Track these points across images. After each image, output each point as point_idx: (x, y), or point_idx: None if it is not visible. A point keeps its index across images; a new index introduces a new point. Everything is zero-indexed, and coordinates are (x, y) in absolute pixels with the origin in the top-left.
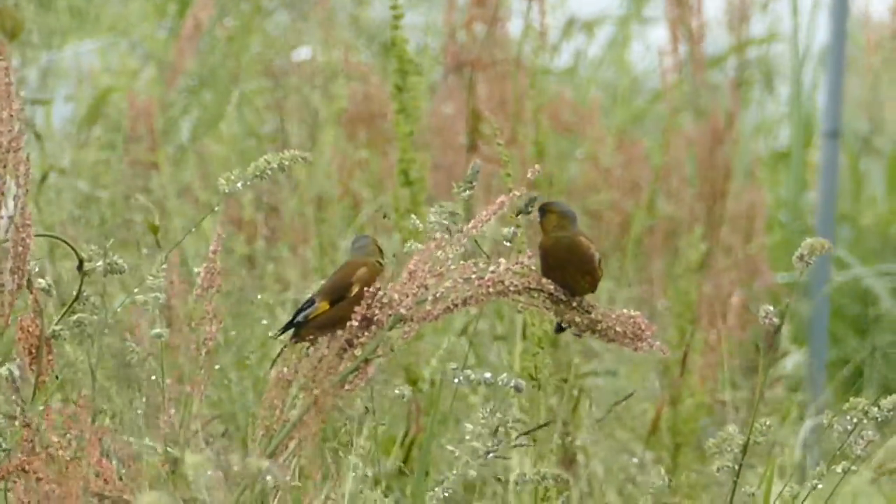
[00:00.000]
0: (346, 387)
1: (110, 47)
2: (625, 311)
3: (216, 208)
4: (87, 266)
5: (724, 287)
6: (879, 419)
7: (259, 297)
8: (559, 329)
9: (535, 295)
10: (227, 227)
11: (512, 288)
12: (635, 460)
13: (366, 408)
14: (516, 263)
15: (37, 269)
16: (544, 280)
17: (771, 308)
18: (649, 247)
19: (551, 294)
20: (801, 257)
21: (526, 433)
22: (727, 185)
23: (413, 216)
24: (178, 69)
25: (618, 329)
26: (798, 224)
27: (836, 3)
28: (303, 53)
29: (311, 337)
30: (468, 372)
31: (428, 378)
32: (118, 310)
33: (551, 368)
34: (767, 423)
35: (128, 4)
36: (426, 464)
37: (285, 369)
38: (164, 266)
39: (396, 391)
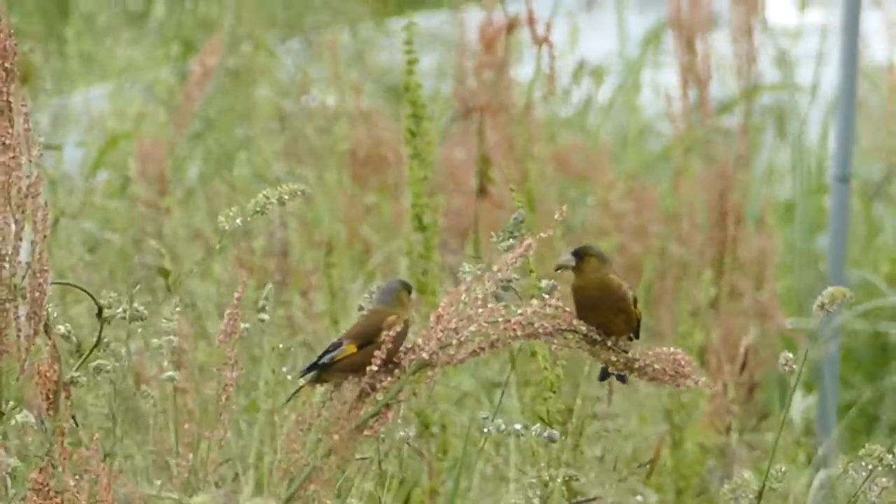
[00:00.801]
0: (366, 432)
1: (120, 91)
2: (664, 348)
3: (218, 247)
4: (106, 313)
5: (733, 331)
6: (894, 466)
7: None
8: (604, 376)
9: (569, 336)
10: (237, 272)
11: (542, 330)
12: (639, 498)
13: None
14: (546, 305)
15: (55, 315)
16: (576, 321)
17: (790, 355)
18: (659, 291)
19: (585, 335)
20: (822, 306)
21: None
22: (738, 230)
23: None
24: (187, 112)
25: (657, 367)
26: (809, 270)
27: (846, 47)
28: (311, 97)
29: (335, 381)
30: (499, 422)
31: (438, 422)
32: (132, 355)
33: (564, 414)
34: (783, 469)
35: (135, 48)
36: None
37: (307, 412)
38: (178, 309)
39: (401, 433)
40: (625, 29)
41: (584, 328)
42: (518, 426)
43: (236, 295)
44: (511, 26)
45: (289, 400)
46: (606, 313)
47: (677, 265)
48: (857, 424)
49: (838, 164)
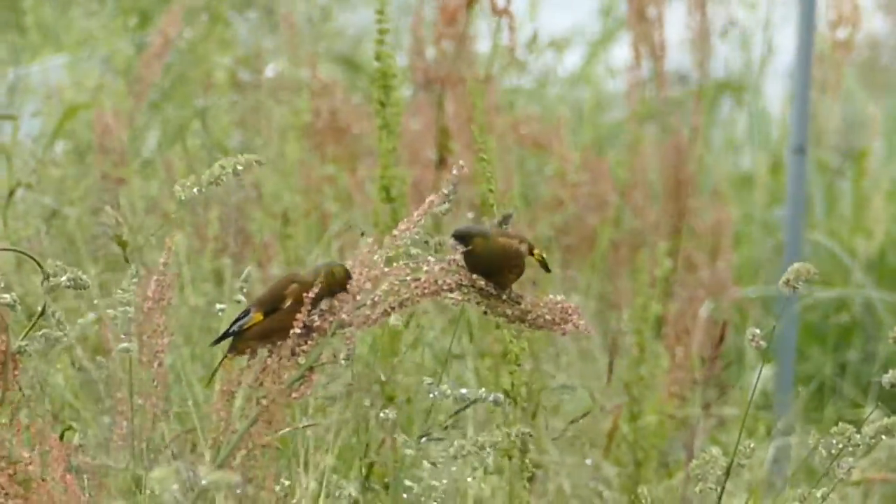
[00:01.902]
0: (294, 395)
1: (77, 62)
2: (551, 296)
3: (174, 217)
4: (51, 281)
5: (689, 303)
6: (861, 445)
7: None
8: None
9: (467, 291)
10: (195, 243)
11: (445, 286)
12: (589, 461)
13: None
14: (447, 261)
15: (2, 285)
16: (474, 276)
17: (757, 331)
18: (615, 262)
19: (482, 289)
20: (788, 282)
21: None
22: (692, 201)
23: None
24: (145, 83)
25: (547, 317)
26: (767, 240)
27: (802, 18)
28: (269, 68)
29: (248, 349)
30: (444, 387)
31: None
32: (87, 325)
33: (529, 386)
34: (752, 444)
35: (93, 19)
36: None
37: (229, 380)
38: (134, 280)
39: (381, 414)
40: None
41: (481, 283)
42: (464, 390)
43: (162, 260)
44: None
45: (214, 372)
46: (498, 274)
47: (633, 236)
48: (818, 398)
49: (795, 136)
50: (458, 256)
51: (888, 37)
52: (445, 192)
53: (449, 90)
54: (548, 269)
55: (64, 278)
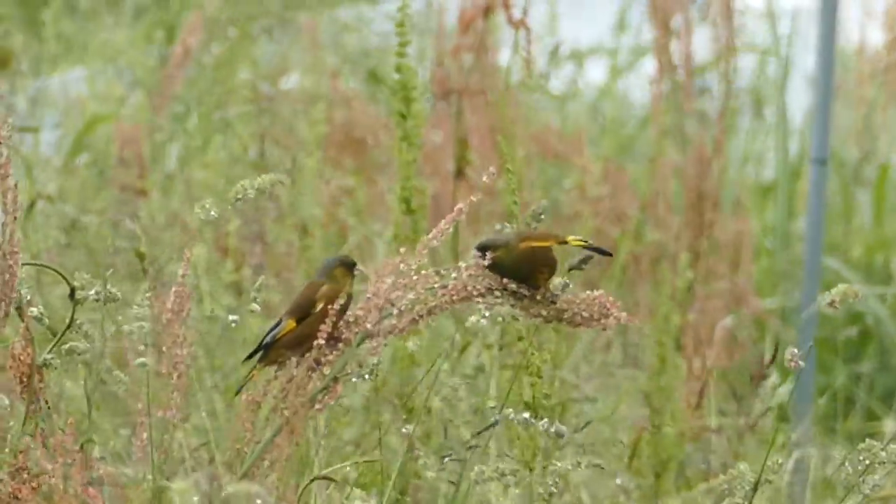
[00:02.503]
0: (317, 406)
1: (98, 74)
2: (588, 293)
3: (197, 233)
4: (79, 295)
5: (709, 314)
6: (886, 462)
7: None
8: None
9: (499, 295)
10: (214, 255)
11: (475, 292)
12: (618, 482)
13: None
14: (475, 266)
15: (29, 297)
16: (506, 280)
17: (795, 350)
18: (635, 274)
19: (515, 292)
20: (832, 303)
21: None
22: (714, 213)
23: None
24: (166, 95)
25: (584, 314)
26: (786, 251)
27: (824, 30)
28: (289, 80)
29: (281, 358)
30: (509, 411)
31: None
32: (107, 338)
33: (551, 399)
34: (779, 461)
35: (116, 32)
36: None
37: (255, 391)
38: (148, 294)
39: (403, 430)
40: (607, 15)
41: (513, 286)
42: (526, 415)
43: (181, 272)
44: (488, 9)
45: (243, 385)
46: (530, 278)
47: (654, 248)
48: (833, 408)
49: (816, 147)
50: (486, 262)
51: None
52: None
53: (468, 102)
54: (603, 252)
55: (93, 292)
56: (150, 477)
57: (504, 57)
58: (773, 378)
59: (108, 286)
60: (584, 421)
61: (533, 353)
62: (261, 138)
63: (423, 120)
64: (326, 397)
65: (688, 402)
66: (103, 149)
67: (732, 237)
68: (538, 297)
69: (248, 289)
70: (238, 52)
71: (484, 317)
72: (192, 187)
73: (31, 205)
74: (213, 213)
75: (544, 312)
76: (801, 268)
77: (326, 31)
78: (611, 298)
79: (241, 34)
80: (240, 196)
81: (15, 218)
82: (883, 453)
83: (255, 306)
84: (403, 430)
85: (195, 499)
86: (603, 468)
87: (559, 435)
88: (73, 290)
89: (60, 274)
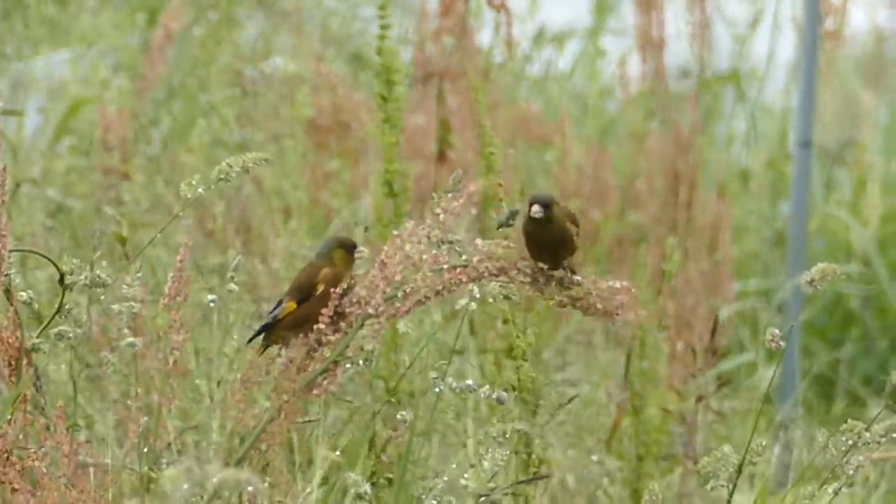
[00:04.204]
0: (315, 391)
1: (82, 58)
2: (611, 283)
3: (181, 215)
4: (68, 279)
5: (691, 296)
6: (870, 443)
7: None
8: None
9: (514, 275)
10: (198, 238)
11: (486, 273)
12: (601, 464)
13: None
14: (496, 244)
15: (17, 281)
16: (520, 262)
17: (777, 331)
18: (618, 256)
19: (530, 274)
20: (811, 282)
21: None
22: (692, 195)
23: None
24: (149, 79)
25: (599, 306)
26: (770, 234)
27: (808, 12)
28: (273, 63)
29: (282, 339)
30: (450, 380)
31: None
32: (92, 322)
33: (535, 381)
34: (763, 442)
35: (100, 15)
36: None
37: (253, 371)
38: (139, 276)
39: (399, 416)
40: None
41: (528, 269)
42: (470, 382)
43: (178, 258)
44: None
45: (250, 365)
46: (553, 250)
47: (635, 230)
48: (816, 391)
49: (800, 130)
50: (505, 241)
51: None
52: (450, 189)
53: (449, 84)
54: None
55: (83, 276)
56: (137, 462)
57: (485, 39)
58: (748, 357)
59: (97, 270)
60: (567, 404)
61: (518, 336)
62: (245, 122)
63: (405, 103)
64: (326, 381)
65: (669, 385)
66: (87, 132)
67: (711, 219)
68: (553, 281)
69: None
70: (221, 35)
71: (474, 298)
72: (175, 170)
73: (16, 188)
74: (200, 189)
75: (557, 297)
76: (784, 250)
77: (310, 14)
78: (633, 292)
79: (224, 17)
80: (223, 176)
81: (2, 202)
82: (867, 434)
83: (233, 286)
84: (399, 416)
85: (185, 486)
86: (586, 451)
87: (500, 402)
88: (62, 276)
89: (50, 260)
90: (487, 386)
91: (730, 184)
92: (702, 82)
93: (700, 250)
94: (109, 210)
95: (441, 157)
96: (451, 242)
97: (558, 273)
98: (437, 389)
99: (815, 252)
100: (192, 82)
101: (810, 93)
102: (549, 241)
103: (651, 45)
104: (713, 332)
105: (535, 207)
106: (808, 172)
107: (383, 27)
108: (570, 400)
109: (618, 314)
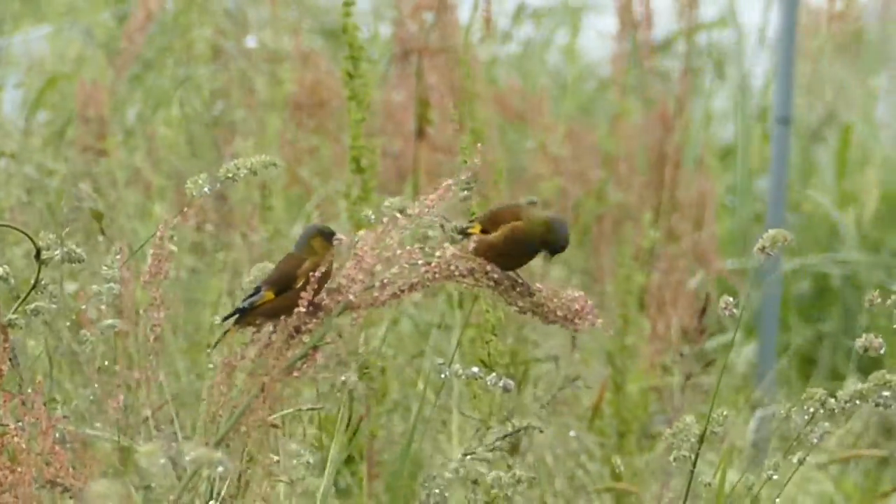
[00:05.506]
0: (295, 374)
1: (59, 33)
2: (569, 292)
3: (157, 191)
4: (44, 255)
5: (673, 274)
6: (835, 410)
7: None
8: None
9: (480, 277)
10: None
11: (457, 273)
12: (580, 440)
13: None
14: (465, 248)
15: None
16: (489, 267)
17: (731, 299)
18: (598, 234)
19: (497, 279)
20: (763, 248)
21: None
22: (677, 173)
23: (367, 209)
24: (127, 54)
25: (559, 313)
26: (748, 211)
27: None
28: (251, 39)
29: (256, 326)
30: (456, 367)
31: (379, 366)
32: (70, 298)
33: (505, 357)
34: (724, 413)
35: None
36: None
37: (232, 354)
38: (118, 256)
39: (342, 378)
40: None
41: (496, 274)
42: (476, 369)
43: (158, 234)
44: None
45: (216, 344)
46: (518, 265)
47: (617, 209)
48: (798, 367)
49: (779, 106)
50: (473, 244)
51: (872, 10)
52: (464, 179)
53: (428, 61)
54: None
55: (58, 252)
56: (115, 437)
57: (464, 16)
58: (730, 335)
59: (73, 246)
60: (547, 380)
61: (489, 311)
62: (222, 96)
63: (372, 79)
64: (305, 365)
65: (651, 362)
66: (64, 107)
67: (695, 197)
68: (517, 287)
69: (210, 249)
70: (196, 7)
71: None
72: (153, 145)
73: None
74: (206, 188)
75: (521, 303)
76: (762, 227)
77: None
78: (589, 302)
79: None
80: (230, 175)
81: None
82: (832, 400)
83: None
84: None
85: (161, 461)
86: (566, 427)
87: (506, 389)
88: (38, 251)
89: (27, 235)
90: (494, 374)
91: (711, 160)
92: (687, 60)
93: (684, 227)
94: (83, 186)
95: (420, 133)
96: (427, 238)
97: (523, 280)
98: (442, 375)
99: (798, 231)
100: (168, 56)
101: (788, 70)
102: (522, 259)
103: (633, 22)
104: (703, 311)
105: (562, 246)
106: (787, 149)
107: (346, 3)
108: (563, 386)
109: (577, 322)
